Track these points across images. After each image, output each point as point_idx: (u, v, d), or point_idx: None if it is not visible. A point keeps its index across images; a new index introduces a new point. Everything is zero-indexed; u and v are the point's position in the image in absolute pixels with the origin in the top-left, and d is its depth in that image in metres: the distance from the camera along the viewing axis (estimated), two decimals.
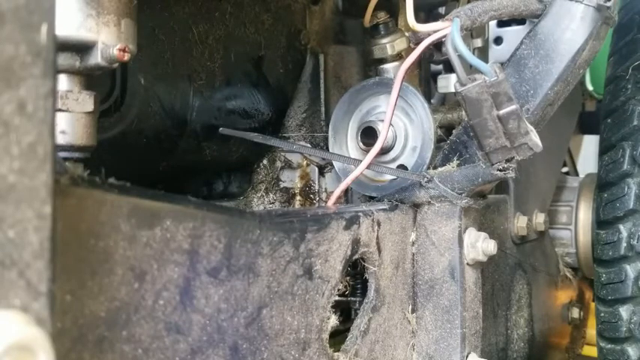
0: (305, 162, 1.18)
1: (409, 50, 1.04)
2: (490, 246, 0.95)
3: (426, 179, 0.93)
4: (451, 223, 0.93)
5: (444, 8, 1.22)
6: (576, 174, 1.98)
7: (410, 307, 0.95)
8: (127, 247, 0.55)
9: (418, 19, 0.85)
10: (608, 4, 0.86)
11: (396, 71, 1.11)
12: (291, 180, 1.19)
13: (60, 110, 0.70)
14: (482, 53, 1.14)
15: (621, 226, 1.22)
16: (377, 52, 1.15)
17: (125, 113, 0.90)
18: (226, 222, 0.64)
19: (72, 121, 0.72)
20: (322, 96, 1.20)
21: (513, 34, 1.08)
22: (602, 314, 1.27)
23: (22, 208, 0.42)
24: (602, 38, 0.91)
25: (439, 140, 1.09)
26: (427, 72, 1.35)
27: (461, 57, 0.80)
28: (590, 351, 1.70)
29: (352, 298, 0.96)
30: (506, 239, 1.27)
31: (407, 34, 1.13)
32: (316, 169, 1.19)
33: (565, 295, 1.62)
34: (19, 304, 0.42)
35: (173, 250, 0.59)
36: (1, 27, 0.41)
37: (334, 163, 1.13)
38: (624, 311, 1.21)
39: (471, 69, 0.86)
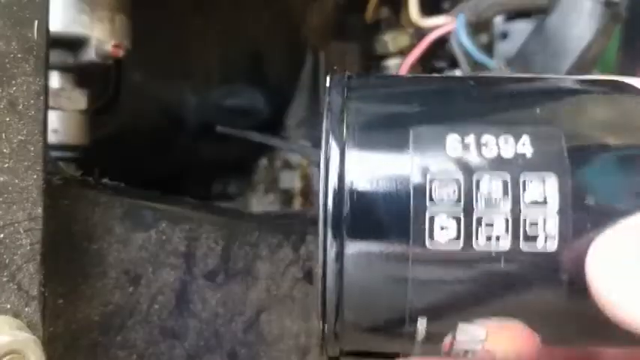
0: (305, 162, 1.18)
1: (412, 46, 1.03)
2: None
3: None
4: None
5: (448, 3, 1.21)
6: None
7: None
8: (121, 250, 0.55)
9: (422, 14, 0.85)
10: (616, 0, 0.85)
11: (398, 68, 1.10)
12: (291, 180, 1.18)
13: (52, 108, 0.70)
14: (488, 49, 1.14)
15: None
16: (379, 48, 1.14)
17: (119, 111, 0.90)
18: (224, 224, 0.64)
19: (64, 120, 0.72)
20: (322, 94, 1.20)
21: (520, 30, 1.08)
22: None
23: (13, 210, 0.43)
24: (610, 34, 0.91)
25: None
26: (431, 68, 1.35)
27: (466, 53, 0.79)
28: None
29: None
30: None
31: (410, 30, 1.13)
32: (316, 169, 1.18)
33: None
34: (10, 309, 0.42)
35: (169, 252, 0.59)
36: None
37: None
38: None
39: (476, 65, 0.86)
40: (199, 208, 0.62)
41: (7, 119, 0.42)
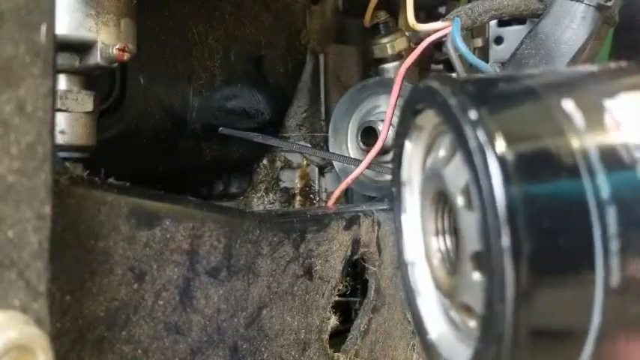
0: (305, 162, 1.18)
1: (409, 50, 1.03)
2: None
3: None
4: None
5: (444, 8, 1.21)
6: None
7: None
8: (126, 248, 0.55)
9: (418, 19, 0.85)
10: (609, 3, 0.85)
11: (396, 71, 1.10)
12: (291, 180, 1.19)
13: (59, 110, 0.70)
14: (483, 53, 1.14)
15: None
16: (377, 51, 1.15)
17: (124, 113, 0.90)
18: (226, 222, 0.64)
19: (71, 121, 0.71)
20: (322, 96, 1.20)
21: (514, 34, 1.08)
22: None
23: (22, 209, 0.42)
24: (603, 38, 0.91)
25: None
26: (427, 72, 1.35)
27: (461, 57, 0.80)
28: None
29: (352, 299, 0.96)
30: None
31: (407, 33, 1.13)
32: (316, 169, 1.19)
33: None
34: (19, 305, 0.42)
35: (173, 250, 0.59)
36: (0, 26, 0.41)
37: (334, 163, 1.13)
38: None
39: (471, 68, 0.86)
40: (202, 207, 0.62)
41: (16, 121, 0.42)
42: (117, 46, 0.70)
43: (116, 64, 0.72)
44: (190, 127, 1.03)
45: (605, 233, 0.29)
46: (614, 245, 0.29)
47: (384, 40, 1.14)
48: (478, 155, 0.30)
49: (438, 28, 0.83)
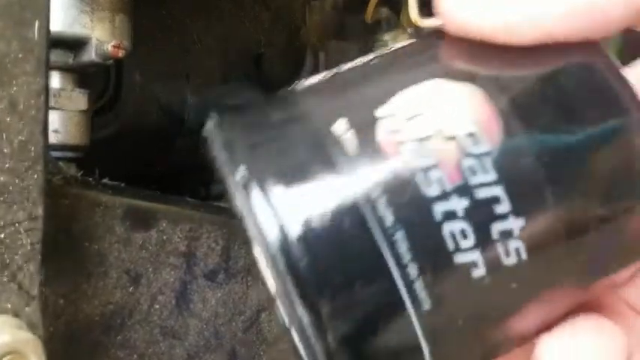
0: None
1: None
2: None
3: None
4: None
5: None
6: None
7: None
8: (121, 250, 0.55)
9: (421, 15, 0.85)
10: None
11: None
12: None
13: (52, 108, 0.69)
14: None
15: None
16: (379, 48, 1.14)
17: (120, 111, 0.89)
18: (224, 224, 0.64)
19: (65, 120, 0.71)
20: None
21: None
22: None
23: (14, 210, 0.42)
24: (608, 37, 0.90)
25: None
26: None
27: None
28: None
29: None
30: None
31: (409, 30, 1.12)
32: None
33: None
34: (11, 308, 0.42)
35: (169, 252, 0.59)
36: None
37: None
38: None
39: None
40: (199, 208, 0.62)
41: (8, 119, 0.42)
42: (112, 43, 0.70)
43: (111, 61, 0.72)
44: (188, 126, 1.02)
45: (400, 261, 0.26)
46: (413, 270, 0.26)
47: (386, 37, 1.14)
48: (246, 222, 0.28)
49: (441, 24, 0.82)
